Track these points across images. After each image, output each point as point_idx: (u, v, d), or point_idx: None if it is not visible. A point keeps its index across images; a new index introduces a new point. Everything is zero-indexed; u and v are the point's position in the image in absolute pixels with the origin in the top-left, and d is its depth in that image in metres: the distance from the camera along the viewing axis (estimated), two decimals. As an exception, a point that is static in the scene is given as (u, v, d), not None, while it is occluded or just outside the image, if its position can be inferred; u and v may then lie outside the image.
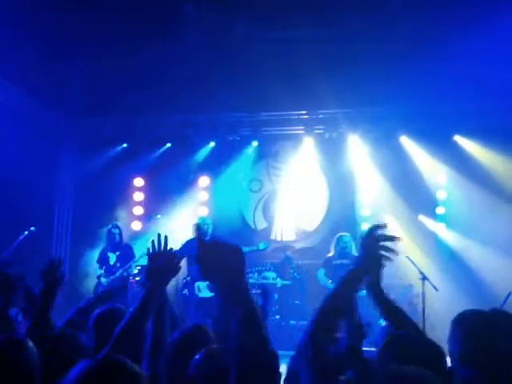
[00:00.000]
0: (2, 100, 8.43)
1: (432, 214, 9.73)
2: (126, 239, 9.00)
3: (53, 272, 3.32)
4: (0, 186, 8.38)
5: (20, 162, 8.48)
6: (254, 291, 8.50)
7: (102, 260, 8.63)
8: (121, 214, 10.06)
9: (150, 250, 2.58)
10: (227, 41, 8.64)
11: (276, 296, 8.75)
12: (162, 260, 2.54)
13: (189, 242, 8.33)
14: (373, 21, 8.34)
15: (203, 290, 7.96)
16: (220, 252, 1.85)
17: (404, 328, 2.62)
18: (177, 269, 2.58)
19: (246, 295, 1.82)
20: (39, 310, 3.30)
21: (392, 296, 8.13)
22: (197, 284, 8.09)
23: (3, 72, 8.16)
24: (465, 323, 2.54)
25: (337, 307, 2.22)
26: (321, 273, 8.41)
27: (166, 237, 2.59)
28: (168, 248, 2.60)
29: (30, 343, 2.32)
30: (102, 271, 8.51)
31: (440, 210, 9.71)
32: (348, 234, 8.51)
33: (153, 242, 2.58)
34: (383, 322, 7.82)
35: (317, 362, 2.16)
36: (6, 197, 8.52)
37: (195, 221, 8.65)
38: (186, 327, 3.03)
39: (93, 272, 9.03)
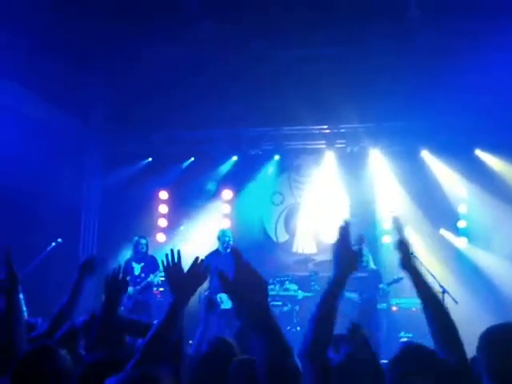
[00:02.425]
0: (29, 113, 8.68)
1: (453, 228, 9.73)
2: (150, 251, 9.17)
3: (115, 282, 3.25)
4: (28, 198, 8.62)
5: (48, 174, 8.73)
6: (273, 303, 8.63)
7: (127, 270, 8.75)
8: (146, 226, 10.25)
9: (164, 264, 2.56)
10: (251, 56, 8.81)
11: (297, 308, 8.82)
12: (184, 271, 2.54)
13: (211, 255, 8.47)
14: (392, 36, 8.46)
15: (225, 301, 8.07)
16: (251, 275, 1.96)
17: (437, 315, 2.61)
18: (202, 279, 2.56)
19: (272, 321, 1.87)
20: (102, 321, 3.23)
21: (414, 309, 8.11)
22: (219, 295, 8.20)
23: (30, 85, 8.39)
24: (492, 338, 2.47)
25: (327, 317, 2.33)
26: None
27: (178, 251, 2.57)
28: (180, 261, 2.57)
29: (63, 351, 2.41)
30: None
31: (461, 224, 9.70)
32: (365, 247, 8.48)
33: (166, 255, 2.57)
34: (403, 337, 7.82)
35: (317, 369, 2.26)
36: (33, 209, 8.76)
37: (216, 233, 8.74)
38: (211, 340, 3.10)
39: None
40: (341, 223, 2.43)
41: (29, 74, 8.03)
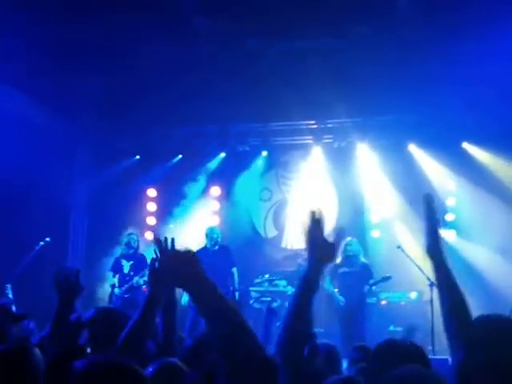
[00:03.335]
0: (17, 111, 8.63)
1: (441, 221, 9.75)
2: (139, 249, 9.15)
3: (67, 283, 3.25)
4: (16, 196, 8.59)
5: (36, 173, 8.70)
6: (263, 299, 8.63)
7: (116, 268, 8.78)
8: (134, 224, 10.22)
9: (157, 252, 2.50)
10: (237, 52, 8.79)
11: (287, 304, 8.81)
12: (162, 263, 2.51)
13: (199, 252, 8.45)
14: (379, 30, 8.46)
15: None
16: (177, 256, 1.89)
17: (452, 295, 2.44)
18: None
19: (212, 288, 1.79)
20: (56, 320, 3.25)
21: (403, 303, 8.14)
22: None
23: (18, 82, 8.34)
24: (478, 330, 2.36)
25: (302, 312, 2.22)
26: (327, 280, 8.28)
27: (172, 239, 2.46)
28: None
29: (37, 350, 2.38)
30: (116, 279, 8.66)
31: (449, 217, 9.72)
32: (355, 240, 8.44)
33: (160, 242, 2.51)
34: (393, 330, 7.81)
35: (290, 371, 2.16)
36: (21, 208, 8.72)
37: (204, 230, 8.73)
38: (197, 335, 3.10)
39: (108, 280, 9.16)
40: (312, 210, 2.32)
41: (17, 71, 7.97)
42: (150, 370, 2.33)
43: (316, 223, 2.29)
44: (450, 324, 2.43)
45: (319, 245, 2.26)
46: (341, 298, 8.11)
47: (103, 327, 2.55)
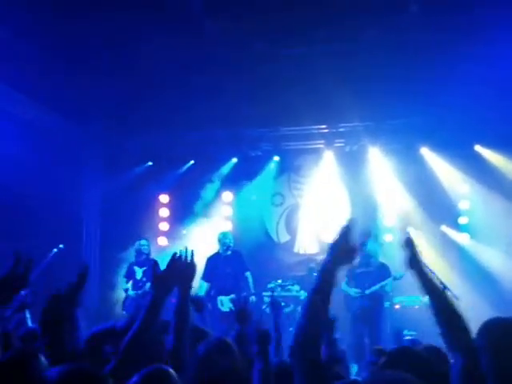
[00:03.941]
0: (28, 118, 8.69)
1: (455, 224, 9.71)
2: (152, 255, 9.19)
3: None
4: (29, 204, 8.63)
5: (48, 180, 8.73)
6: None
7: (129, 274, 8.83)
8: (147, 230, 10.26)
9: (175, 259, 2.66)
10: (247, 57, 8.79)
11: (300, 308, 8.80)
12: (168, 269, 2.63)
13: (212, 257, 8.48)
14: (390, 33, 8.43)
15: (226, 304, 8.08)
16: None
17: (442, 306, 2.55)
18: (187, 273, 2.69)
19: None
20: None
21: (416, 307, 8.09)
22: (219, 298, 8.21)
23: (28, 89, 8.39)
24: (489, 333, 2.44)
25: (318, 309, 2.20)
26: (344, 282, 8.26)
27: (192, 251, 2.70)
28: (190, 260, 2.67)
29: (42, 357, 2.39)
30: (129, 285, 8.71)
31: (463, 220, 9.68)
32: (372, 240, 8.35)
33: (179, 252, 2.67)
34: (407, 335, 7.78)
35: (306, 364, 2.15)
36: (34, 215, 8.77)
37: (217, 236, 8.74)
38: (210, 341, 3.11)
39: (121, 285, 9.21)
40: (344, 223, 2.34)
41: (27, 77, 8.01)
42: (134, 380, 2.30)
43: (345, 233, 2.28)
44: (444, 332, 2.49)
45: (343, 247, 2.26)
46: (356, 290, 8.02)
47: None
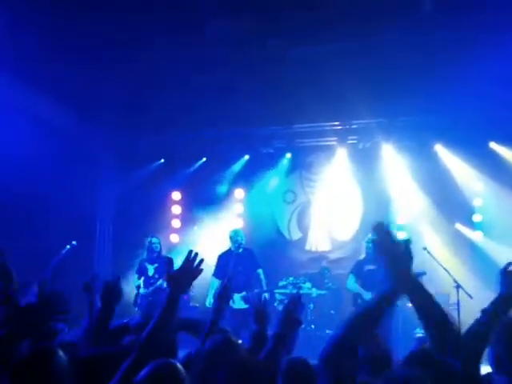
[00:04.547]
0: (42, 116, 8.73)
1: (469, 222, 9.62)
2: (164, 252, 9.22)
3: (110, 291, 3.36)
4: (43, 202, 8.70)
5: (62, 178, 8.80)
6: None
7: (141, 271, 8.86)
8: (159, 227, 10.30)
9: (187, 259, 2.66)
10: (260, 55, 8.78)
11: (311, 306, 8.78)
12: (182, 268, 2.62)
13: (224, 254, 8.48)
14: (404, 32, 8.37)
15: (237, 301, 8.07)
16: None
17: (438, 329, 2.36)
18: (196, 273, 2.65)
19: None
20: (97, 325, 3.33)
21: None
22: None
23: (46, 89, 8.43)
24: (503, 330, 2.42)
25: (369, 322, 2.13)
26: (351, 280, 8.20)
27: (196, 253, 2.67)
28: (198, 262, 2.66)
29: (61, 353, 2.43)
30: (141, 282, 8.74)
31: (477, 218, 9.60)
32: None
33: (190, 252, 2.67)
34: (418, 333, 7.71)
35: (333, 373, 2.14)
36: (48, 213, 8.83)
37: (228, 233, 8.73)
38: (216, 339, 3.10)
39: (133, 282, 9.24)
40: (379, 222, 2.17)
41: (43, 76, 8.06)
42: (144, 371, 2.34)
43: (385, 234, 2.15)
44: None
45: (393, 255, 2.13)
46: (368, 294, 7.90)
47: None
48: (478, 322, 2.24)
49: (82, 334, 3.55)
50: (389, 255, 2.12)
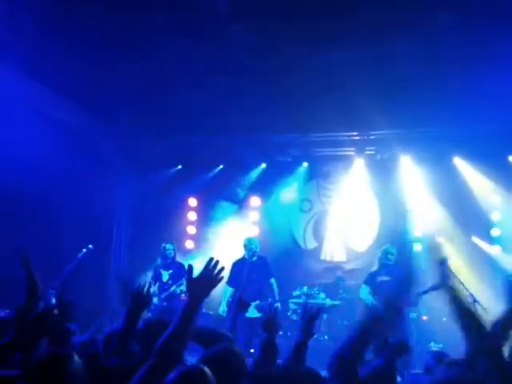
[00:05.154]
0: (63, 120, 8.81)
1: (486, 236, 9.51)
2: (179, 258, 9.26)
3: (140, 297, 3.33)
4: (61, 205, 8.77)
5: (79, 182, 8.87)
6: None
7: (156, 277, 8.90)
8: (175, 233, 10.34)
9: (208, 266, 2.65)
10: (278, 62, 8.79)
11: (325, 316, 8.74)
12: (202, 275, 2.61)
13: (237, 262, 8.48)
14: (422, 42, 8.34)
15: (250, 310, 8.05)
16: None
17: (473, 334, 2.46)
18: (215, 282, 2.62)
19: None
20: (124, 330, 3.29)
21: (444, 319, 7.85)
22: (245, 303, 8.19)
23: (64, 92, 8.49)
24: None
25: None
26: (364, 290, 8.13)
27: (217, 261, 2.66)
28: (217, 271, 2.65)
29: (76, 357, 2.46)
30: (155, 288, 8.77)
31: (495, 232, 9.48)
32: (395, 248, 8.23)
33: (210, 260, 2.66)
34: (433, 347, 7.64)
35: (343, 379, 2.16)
36: (64, 216, 8.90)
37: (242, 241, 8.73)
38: (216, 347, 3.10)
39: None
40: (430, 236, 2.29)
41: (59, 78, 8.11)
42: (171, 376, 2.39)
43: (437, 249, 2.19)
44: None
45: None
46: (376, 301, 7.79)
47: (155, 338, 2.59)
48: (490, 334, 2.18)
49: (105, 339, 3.55)
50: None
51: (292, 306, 8.94)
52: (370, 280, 8.12)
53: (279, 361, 3.65)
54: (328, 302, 8.84)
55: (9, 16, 7.15)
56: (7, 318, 3.88)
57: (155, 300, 8.61)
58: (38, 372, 2.40)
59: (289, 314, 8.79)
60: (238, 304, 6.86)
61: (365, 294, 8.09)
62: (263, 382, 2.64)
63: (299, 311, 8.54)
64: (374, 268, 8.30)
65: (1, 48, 7.27)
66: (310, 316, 3.73)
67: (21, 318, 2.74)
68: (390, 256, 8.05)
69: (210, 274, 2.62)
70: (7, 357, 2.81)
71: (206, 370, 2.44)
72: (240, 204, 10.64)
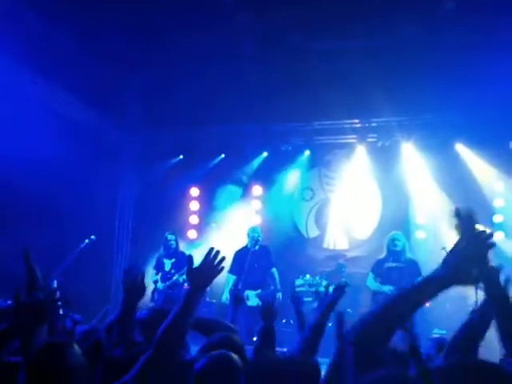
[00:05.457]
0: (66, 113, 8.81)
1: (489, 223, 9.48)
2: (181, 247, 9.27)
3: (133, 285, 3.25)
4: (64, 196, 8.78)
5: (83, 174, 8.87)
6: (304, 299, 8.56)
7: (158, 266, 8.93)
8: (177, 223, 10.35)
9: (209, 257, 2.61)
10: (279, 51, 8.76)
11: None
12: (202, 265, 2.59)
13: (240, 251, 8.49)
14: (425, 29, 8.30)
15: (252, 298, 8.07)
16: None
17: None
18: (216, 271, 2.60)
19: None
20: (120, 319, 3.26)
21: (447, 306, 7.87)
22: (246, 293, 8.21)
23: (68, 86, 8.51)
24: None
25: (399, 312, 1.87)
26: (371, 278, 8.11)
27: (218, 251, 2.62)
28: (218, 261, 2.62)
29: (75, 346, 2.44)
30: (158, 277, 8.80)
31: (498, 219, 9.46)
32: (402, 234, 8.20)
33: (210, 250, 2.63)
34: (436, 334, 7.63)
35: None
36: (68, 205, 8.91)
37: (246, 230, 8.73)
38: (215, 337, 3.09)
39: (150, 277, 9.30)
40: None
41: (64, 72, 8.12)
42: (201, 362, 2.52)
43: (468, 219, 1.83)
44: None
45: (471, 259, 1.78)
46: (390, 287, 7.75)
47: (157, 327, 2.58)
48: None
49: (106, 329, 3.55)
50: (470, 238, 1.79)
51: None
52: (377, 268, 8.11)
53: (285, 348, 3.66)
54: (331, 290, 8.80)
55: (18, 12, 7.15)
56: (10, 309, 3.88)
57: (160, 285, 8.64)
58: (36, 361, 2.39)
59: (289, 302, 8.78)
60: (235, 299, 6.89)
61: (371, 281, 8.08)
62: (263, 371, 2.64)
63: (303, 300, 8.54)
64: (382, 255, 8.27)
65: (9, 44, 7.28)
66: (334, 296, 3.73)
67: (18, 305, 2.72)
68: (397, 242, 8.02)
69: (211, 264, 2.59)
70: (5, 343, 2.80)
71: (233, 355, 2.52)
72: (242, 193, 10.62)
